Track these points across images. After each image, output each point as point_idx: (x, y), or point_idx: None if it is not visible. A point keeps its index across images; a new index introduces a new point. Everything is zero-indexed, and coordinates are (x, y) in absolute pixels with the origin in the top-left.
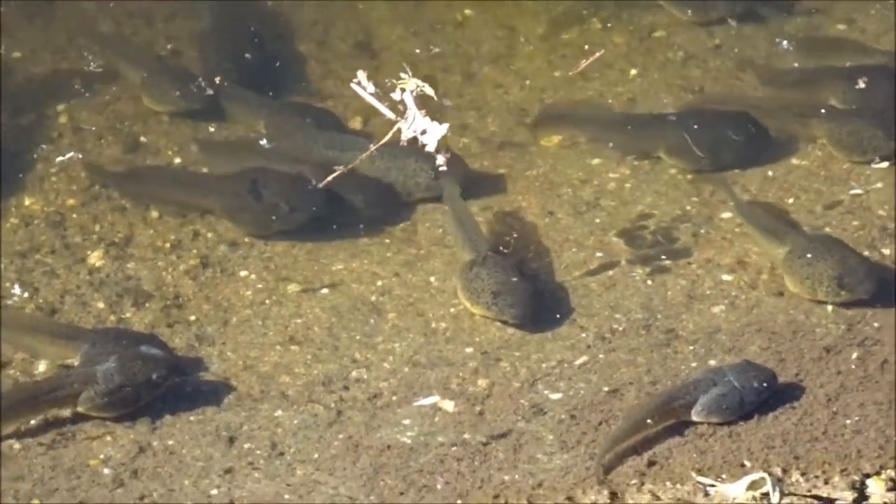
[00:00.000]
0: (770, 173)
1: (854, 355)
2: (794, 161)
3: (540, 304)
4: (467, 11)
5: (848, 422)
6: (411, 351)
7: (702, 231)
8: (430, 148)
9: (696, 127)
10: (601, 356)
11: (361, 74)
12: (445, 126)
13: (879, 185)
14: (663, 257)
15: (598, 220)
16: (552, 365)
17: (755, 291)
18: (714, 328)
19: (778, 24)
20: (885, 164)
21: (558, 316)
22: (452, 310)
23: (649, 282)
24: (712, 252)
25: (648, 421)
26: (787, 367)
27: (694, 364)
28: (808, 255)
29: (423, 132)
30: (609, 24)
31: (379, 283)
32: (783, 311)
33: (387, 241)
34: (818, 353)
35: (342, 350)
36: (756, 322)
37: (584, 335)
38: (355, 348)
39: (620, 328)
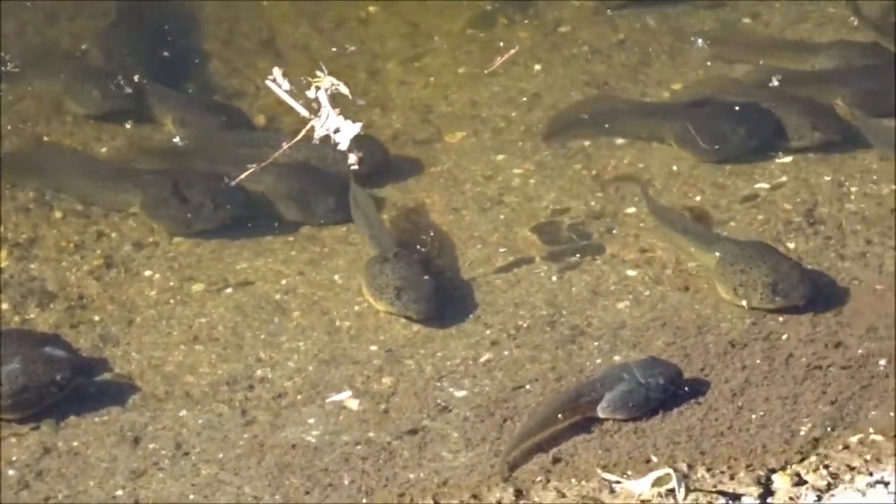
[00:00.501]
0: (675, 168)
1: (759, 350)
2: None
3: (445, 300)
4: (371, 8)
5: (753, 417)
6: (316, 349)
7: (606, 227)
8: (343, 147)
9: (701, 117)
10: (506, 353)
11: (277, 71)
12: (358, 125)
13: (784, 178)
14: (567, 253)
15: (502, 217)
16: (457, 362)
17: (660, 287)
18: (619, 324)
19: (683, 19)
20: (789, 159)
21: (463, 313)
22: (357, 308)
23: (554, 278)
24: (617, 247)
25: (557, 417)
26: (692, 363)
27: (599, 360)
28: (741, 262)
29: (337, 130)
30: (514, 20)
31: (283, 281)
32: (688, 306)
33: (291, 239)
34: (723, 348)
35: (247, 349)
36: (661, 317)
37: (488, 332)
38: (260, 347)
39: (525, 325)
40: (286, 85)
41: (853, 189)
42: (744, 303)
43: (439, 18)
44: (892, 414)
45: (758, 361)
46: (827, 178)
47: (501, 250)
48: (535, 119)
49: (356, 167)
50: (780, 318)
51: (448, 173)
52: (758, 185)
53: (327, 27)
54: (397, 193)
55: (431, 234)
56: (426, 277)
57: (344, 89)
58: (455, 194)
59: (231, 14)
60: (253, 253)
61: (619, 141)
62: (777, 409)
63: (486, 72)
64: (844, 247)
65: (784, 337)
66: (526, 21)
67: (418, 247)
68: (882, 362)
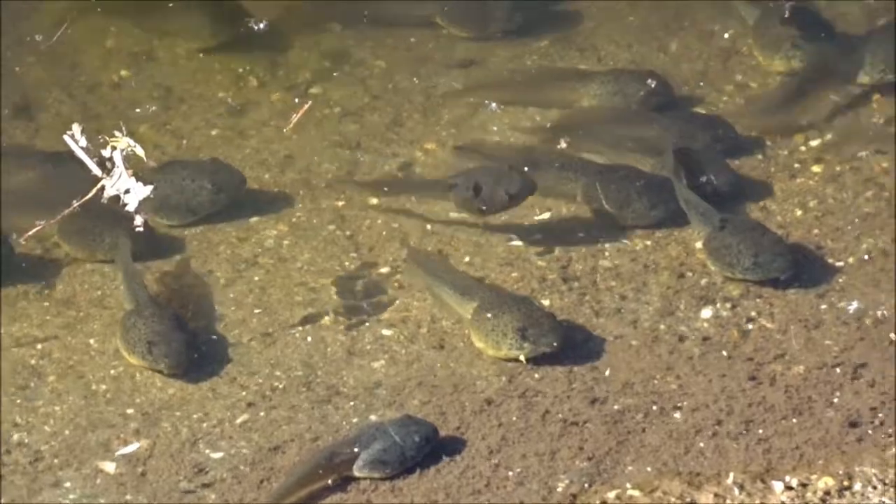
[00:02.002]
0: (429, 227)
1: (515, 407)
2: (454, 214)
3: (200, 362)
4: (123, 73)
5: (510, 473)
6: (72, 413)
7: (361, 286)
8: (131, 208)
9: (611, 182)
10: (262, 414)
11: (76, 128)
12: (150, 188)
13: (539, 235)
14: (322, 314)
15: (256, 278)
16: (213, 424)
17: (415, 345)
18: (375, 383)
19: (434, 79)
20: (546, 215)
21: (219, 374)
22: (113, 371)
23: (309, 338)
24: (372, 307)
25: (313, 476)
26: (448, 421)
27: (355, 419)
28: (494, 309)
29: (127, 191)
30: (266, 82)
31: (38, 346)
32: (443, 364)
33: (46, 303)
34: (479, 406)
35: (3, 414)
36: (416, 376)
37: (244, 393)
38: (16, 412)
39: (281, 386)
40: (83, 142)
41: (607, 245)
42: (520, 356)
43: (191, 82)
44: (648, 469)
45: (514, 418)
46: (581, 235)
47: (256, 311)
48: (288, 180)
49: (140, 229)
50: (536, 375)
51: (202, 235)
52: (512, 243)
53: (79, 92)
54: (153, 254)
55: (186, 295)
56: (179, 332)
57: (140, 151)
58: (209, 256)
59: None
60: (8, 318)
61: (374, 201)
62: (534, 465)
63: (284, 130)
64: (599, 303)
65: (540, 394)
66: (270, 81)
67: (173, 306)
68: (638, 417)
